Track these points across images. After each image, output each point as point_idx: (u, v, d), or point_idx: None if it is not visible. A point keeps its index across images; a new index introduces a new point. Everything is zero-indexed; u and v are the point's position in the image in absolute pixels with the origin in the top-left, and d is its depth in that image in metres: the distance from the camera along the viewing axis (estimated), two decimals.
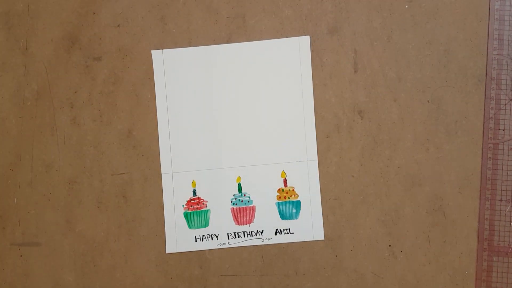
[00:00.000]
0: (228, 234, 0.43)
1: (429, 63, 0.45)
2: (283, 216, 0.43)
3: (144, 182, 0.44)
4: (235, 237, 0.43)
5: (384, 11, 0.45)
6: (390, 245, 0.43)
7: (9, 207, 0.44)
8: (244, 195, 0.43)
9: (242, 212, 0.43)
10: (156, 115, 0.45)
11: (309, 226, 0.42)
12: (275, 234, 0.43)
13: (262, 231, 0.43)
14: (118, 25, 0.46)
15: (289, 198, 0.43)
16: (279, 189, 0.43)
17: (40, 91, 0.45)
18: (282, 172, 0.43)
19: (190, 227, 0.43)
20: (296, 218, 0.42)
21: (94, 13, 0.46)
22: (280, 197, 0.43)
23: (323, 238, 0.43)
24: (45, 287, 0.43)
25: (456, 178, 0.44)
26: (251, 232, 0.43)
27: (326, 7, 0.45)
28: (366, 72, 0.45)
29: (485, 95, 0.41)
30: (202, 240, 0.43)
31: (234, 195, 0.43)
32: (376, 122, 0.44)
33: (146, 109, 0.45)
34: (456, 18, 0.45)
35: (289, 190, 0.43)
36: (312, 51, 0.45)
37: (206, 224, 0.43)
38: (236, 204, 0.43)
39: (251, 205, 0.43)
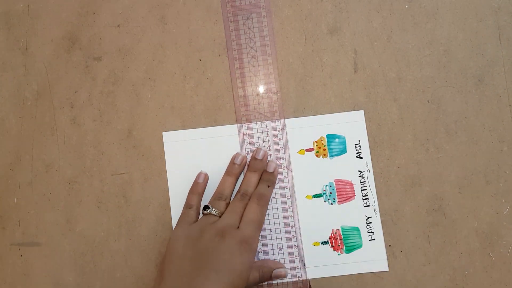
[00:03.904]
0: None
1: (429, 63, 0.45)
2: None
3: (144, 182, 0.44)
4: None
5: (384, 11, 0.45)
6: (390, 245, 0.43)
7: (9, 207, 0.44)
8: None
9: None
10: (156, 115, 0.45)
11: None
12: None
13: None
14: (118, 25, 0.46)
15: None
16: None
17: (40, 91, 0.45)
18: None
19: None
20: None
21: (94, 13, 0.46)
22: None
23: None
24: (45, 287, 0.43)
25: (456, 178, 0.44)
26: None
27: (326, 7, 0.45)
28: (366, 72, 0.45)
29: (240, 150, 0.44)
30: None
31: None
32: (376, 122, 0.44)
33: (146, 109, 0.45)
34: (456, 18, 0.45)
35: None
36: (312, 51, 0.45)
37: None
38: None
39: None
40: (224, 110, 0.44)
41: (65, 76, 0.45)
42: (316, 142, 0.44)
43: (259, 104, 0.44)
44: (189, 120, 0.44)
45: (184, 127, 0.44)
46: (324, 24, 0.45)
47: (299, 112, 0.44)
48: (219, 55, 0.45)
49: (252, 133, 0.44)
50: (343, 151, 0.44)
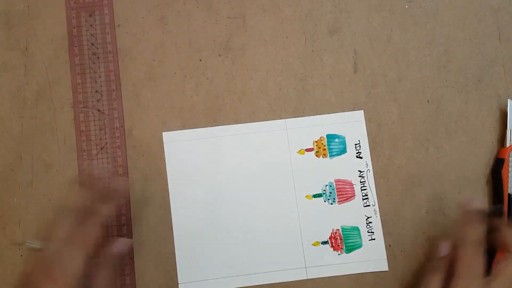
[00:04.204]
0: None
1: (428, 63, 0.45)
2: None
3: (144, 182, 0.44)
4: None
5: (384, 11, 0.45)
6: (390, 245, 0.43)
7: (10, 207, 0.44)
8: None
9: None
10: (156, 115, 0.45)
11: None
12: None
13: None
14: (118, 25, 0.46)
15: None
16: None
17: (40, 91, 0.45)
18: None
19: None
20: None
21: (94, 13, 0.46)
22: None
23: None
24: None
25: (456, 178, 0.44)
26: None
27: (326, 7, 0.45)
28: (366, 72, 0.45)
29: (77, 149, 0.43)
30: None
31: None
32: (376, 122, 0.44)
33: (146, 109, 0.45)
34: (456, 18, 0.45)
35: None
36: (312, 51, 0.45)
37: None
38: None
39: None
40: (224, 110, 0.44)
41: (65, 76, 0.45)
42: (316, 142, 0.44)
43: (98, 101, 0.44)
44: (189, 120, 0.44)
45: (184, 127, 0.44)
46: (324, 24, 0.45)
47: (299, 112, 0.44)
48: (219, 55, 0.45)
49: (90, 131, 0.44)
50: (343, 151, 0.44)
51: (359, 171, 0.43)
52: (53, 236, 0.34)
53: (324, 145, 0.44)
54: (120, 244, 0.37)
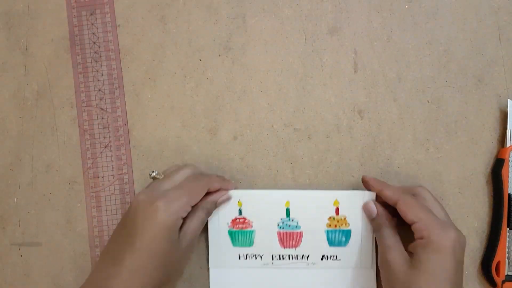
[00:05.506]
0: (272, 255, 0.42)
1: (429, 63, 0.45)
2: (331, 243, 0.41)
3: (145, 182, 0.44)
4: (280, 259, 0.42)
5: (384, 11, 0.45)
6: None
7: (9, 207, 0.44)
8: (292, 220, 0.41)
9: (289, 236, 0.42)
10: (156, 115, 0.45)
11: (358, 254, 0.41)
12: (321, 259, 0.42)
13: (308, 256, 0.42)
14: (118, 25, 0.46)
15: (340, 226, 0.41)
16: (329, 217, 0.41)
17: (40, 91, 0.45)
18: (335, 200, 0.41)
19: (234, 245, 0.42)
20: (345, 246, 0.41)
21: (94, 13, 0.46)
22: (330, 225, 0.41)
23: (371, 267, 0.41)
24: (45, 287, 0.43)
25: (456, 178, 0.44)
26: (297, 255, 0.42)
27: (326, 7, 0.45)
28: (366, 72, 0.45)
29: (80, 148, 0.44)
30: (246, 259, 0.42)
31: (281, 219, 0.41)
32: (376, 122, 0.44)
33: (146, 109, 0.45)
34: (456, 18, 0.45)
35: (341, 219, 0.41)
36: (312, 51, 0.45)
37: (250, 244, 0.42)
38: (283, 228, 0.41)
39: (299, 231, 0.41)
40: (224, 110, 0.44)
41: (65, 76, 0.45)
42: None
43: (101, 99, 0.44)
44: (189, 120, 0.44)
45: (184, 127, 0.44)
46: (324, 24, 0.45)
47: (299, 112, 0.44)
48: (219, 55, 0.45)
49: (93, 129, 0.44)
50: None
51: None
52: (172, 177, 0.39)
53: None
54: (225, 197, 0.41)
